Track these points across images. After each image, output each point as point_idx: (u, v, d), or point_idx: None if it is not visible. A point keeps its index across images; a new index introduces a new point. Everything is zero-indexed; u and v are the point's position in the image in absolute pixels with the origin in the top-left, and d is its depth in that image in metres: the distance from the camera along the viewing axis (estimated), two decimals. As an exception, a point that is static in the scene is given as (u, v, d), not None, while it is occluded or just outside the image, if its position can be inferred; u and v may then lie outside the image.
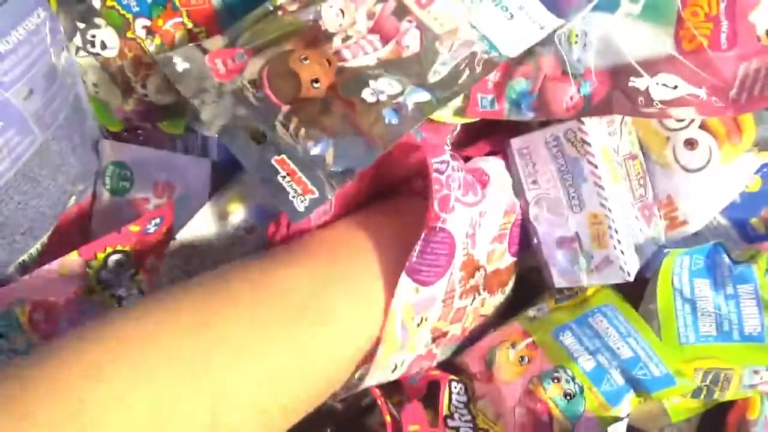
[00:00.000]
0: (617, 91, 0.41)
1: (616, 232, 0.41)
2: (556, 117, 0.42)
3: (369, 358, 0.39)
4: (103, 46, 0.47)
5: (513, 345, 0.43)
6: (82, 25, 0.47)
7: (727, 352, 0.40)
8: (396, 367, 0.41)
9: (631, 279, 0.42)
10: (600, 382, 0.40)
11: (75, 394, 0.28)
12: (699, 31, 0.39)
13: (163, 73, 0.41)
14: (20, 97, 0.39)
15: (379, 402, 0.43)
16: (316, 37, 0.42)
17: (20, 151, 0.40)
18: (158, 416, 0.29)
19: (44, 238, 0.46)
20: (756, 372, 0.40)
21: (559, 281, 0.45)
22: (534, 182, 0.44)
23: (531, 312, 0.46)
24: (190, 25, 0.47)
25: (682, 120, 0.44)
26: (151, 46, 0.47)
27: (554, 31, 0.42)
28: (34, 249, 0.46)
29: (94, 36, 0.47)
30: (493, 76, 0.44)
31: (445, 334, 0.43)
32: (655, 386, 0.40)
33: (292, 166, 0.38)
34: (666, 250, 0.42)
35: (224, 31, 0.44)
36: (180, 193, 0.50)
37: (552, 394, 0.40)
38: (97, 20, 0.47)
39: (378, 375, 0.40)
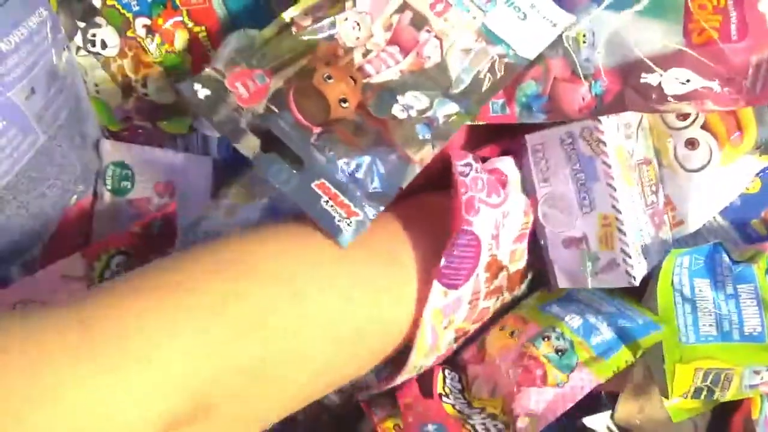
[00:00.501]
0: (629, 88, 0.40)
1: (625, 234, 0.41)
2: (568, 118, 0.42)
3: (397, 360, 0.39)
4: (104, 45, 0.47)
5: (502, 327, 0.44)
6: (82, 24, 0.47)
7: (728, 352, 0.40)
8: (420, 368, 0.42)
9: (636, 284, 0.41)
10: (589, 335, 0.41)
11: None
12: (708, 24, 0.38)
13: (181, 94, 0.40)
14: (22, 97, 0.39)
15: (366, 411, 0.44)
16: (335, 54, 0.41)
17: (22, 151, 0.40)
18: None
19: (46, 238, 0.46)
20: (756, 372, 0.40)
21: (562, 282, 0.44)
22: (545, 180, 0.44)
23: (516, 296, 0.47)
24: (190, 25, 0.47)
25: (686, 118, 0.44)
26: (151, 45, 0.47)
27: (562, 32, 0.42)
28: (36, 249, 0.46)
29: (94, 35, 0.47)
30: None
31: (466, 333, 0.44)
32: (642, 332, 0.40)
33: (333, 189, 0.38)
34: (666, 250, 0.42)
35: (235, 50, 0.43)
36: (182, 191, 0.50)
37: (544, 351, 0.40)
38: (98, 19, 0.47)
39: (404, 377, 0.41)
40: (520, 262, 0.45)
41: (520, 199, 0.44)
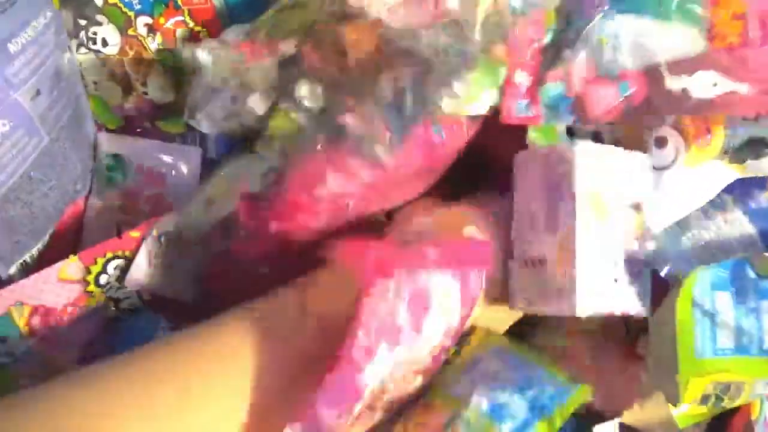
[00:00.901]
0: (656, 91, 0.40)
1: (579, 264, 0.39)
2: (596, 120, 0.41)
3: None
4: (104, 43, 0.47)
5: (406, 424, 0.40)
6: (83, 22, 0.46)
7: (743, 366, 0.39)
8: None
9: (581, 316, 0.39)
10: (500, 418, 0.38)
11: None
12: (729, 30, 0.38)
13: (169, 69, 0.40)
14: (28, 98, 0.39)
15: None
16: (345, 13, 0.40)
17: (28, 152, 0.40)
18: None
19: (46, 238, 0.46)
20: None
21: (517, 303, 0.43)
22: (523, 196, 0.43)
23: None
24: (191, 24, 0.47)
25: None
26: (152, 44, 0.47)
27: (584, 36, 0.41)
28: (36, 249, 0.45)
29: (95, 33, 0.47)
30: (526, 81, 0.43)
31: None
32: (557, 400, 0.38)
33: (365, 116, 0.37)
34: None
35: (236, 32, 0.44)
36: (171, 181, 0.50)
37: None
38: (99, 17, 0.46)
39: None
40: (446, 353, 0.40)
41: (438, 328, 0.38)
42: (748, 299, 0.39)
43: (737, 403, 0.40)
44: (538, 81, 0.42)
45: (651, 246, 0.43)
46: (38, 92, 0.40)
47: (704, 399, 0.40)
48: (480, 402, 0.38)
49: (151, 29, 0.47)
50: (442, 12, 0.39)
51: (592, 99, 0.41)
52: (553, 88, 0.42)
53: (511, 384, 0.39)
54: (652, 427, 0.45)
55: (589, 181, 0.40)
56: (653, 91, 0.39)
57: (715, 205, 0.43)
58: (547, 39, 0.44)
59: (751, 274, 0.40)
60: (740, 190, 0.43)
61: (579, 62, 0.42)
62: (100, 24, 0.46)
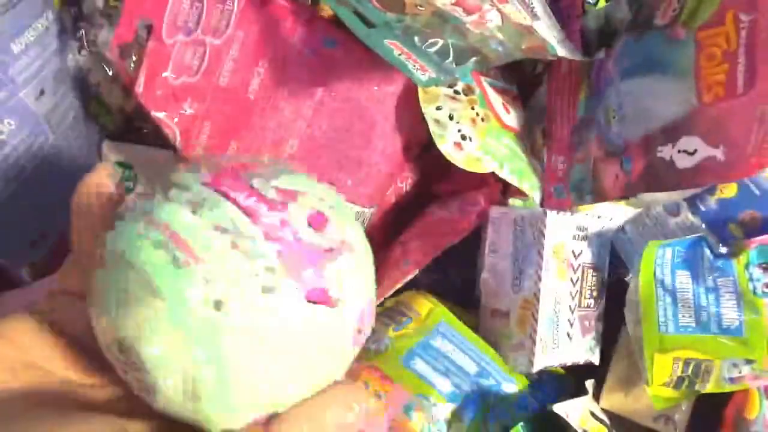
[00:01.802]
0: (649, 165, 0.40)
1: (537, 323, 0.43)
2: (609, 198, 0.43)
3: None
4: (106, 45, 0.47)
5: (366, 383, 0.42)
6: (84, 25, 0.47)
7: (705, 344, 0.40)
8: None
9: (533, 371, 0.43)
10: (458, 400, 0.41)
11: None
12: (715, 78, 0.37)
13: None
14: (32, 97, 0.39)
15: None
16: None
17: (34, 152, 0.40)
18: None
19: (55, 239, 0.46)
20: (735, 365, 0.40)
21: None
22: (494, 252, 0.46)
23: (369, 344, 0.44)
24: (190, 25, 0.47)
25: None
26: (152, 45, 0.47)
27: (597, 113, 0.42)
28: (46, 249, 0.45)
29: (96, 35, 0.47)
30: (561, 165, 0.45)
31: None
32: (502, 391, 0.42)
33: (407, 49, 0.37)
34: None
35: None
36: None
37: (419, 423, 0.40)
38: (99, 19, 0.47)
39: None
40: None
41: None
42: (706, 278, 0.41)
43: (710, 387, 0.41)
44: (570, 165, 0.44)
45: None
46: (42, 92, 0.40)
47: (678, 382, 0.42)
48: (443, 385, 0.42)
49: (151, 31, 0.47)
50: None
51: (603, 177, 0.43)
52: (578, 171, 0.45)
53: (467, 374, 0.43)
54: (635, 414, 0.46)
55: (552, 249, 0.43)
56: (647, 164, 0.40)
57: (668, 209, 0.45)
58: (579, 114, 0.46)
59: (708, 253, 0.41)
60: (692, 196, 0.45)
61: (594, 142, 0.43)
62: (101, 26, 0.47)
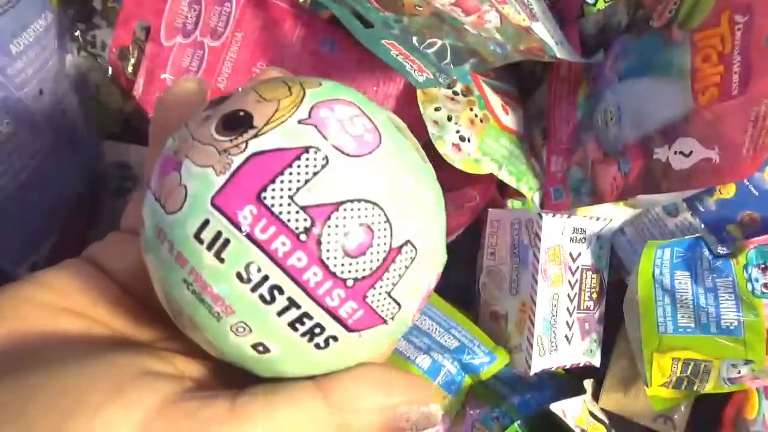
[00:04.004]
0: (647, 167, 0.40)
1: (534, 326, 0.43)
2: (607, 200, 0.43)
3: None
4: (104, 46, 0.48)
5: None
6: (82, 26, 0.47)
7: (705, 344, 0.40)
8: None
9: (530, 374, 0.43)
10: (437, 374, 0.42)
11: None
12: (710, 80, 0.37)
13: None
14: (31, 98, 0.39)
15: None
16: None
17: (33, 151, 0.40)
18: None
19: (54, 238, 0.46)
20: (734, 366, 0.40)
21: None
22: (492, 254, 0.46)
23: None
24: (189, 26, 0.47)
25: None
26: (151, 46, 0.48)
27: (595, 114, 0.42)
28: (45, 249, 0.45)
29: (94, 36, 0.47)
30: (560, 167, 0.45)
31: None
32: (482, 367, 0.43)
33: (405, 50, 0.37)
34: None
35: None
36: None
37: None
38: (98, 20, 0.47)
39: None
40: None
41: None
42: (705, 279, 0.41)
43: (708, 387, 0.41)
44: (567, 166, 0.44)
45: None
46: (41, 92, 0.40)
47: (677, 383, 0.41)
48: (423, 360, 0.42)
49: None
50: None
51: (601, 179, 0.43)
52: (576, 172, 0.44)
53: (446, 349, 0.43)
54: (634, 414, 0.46)
55: (548, 252, 0.43)
56: (645, 166, 0.40)
57: (667, 210, 0.45)
58: (579, 115, 0.46)
59: (707, 254, 0.41)
60: (691, 196, 0.44)
61: (591, 144, 0.43)
62: (99, 27, 0.47)
